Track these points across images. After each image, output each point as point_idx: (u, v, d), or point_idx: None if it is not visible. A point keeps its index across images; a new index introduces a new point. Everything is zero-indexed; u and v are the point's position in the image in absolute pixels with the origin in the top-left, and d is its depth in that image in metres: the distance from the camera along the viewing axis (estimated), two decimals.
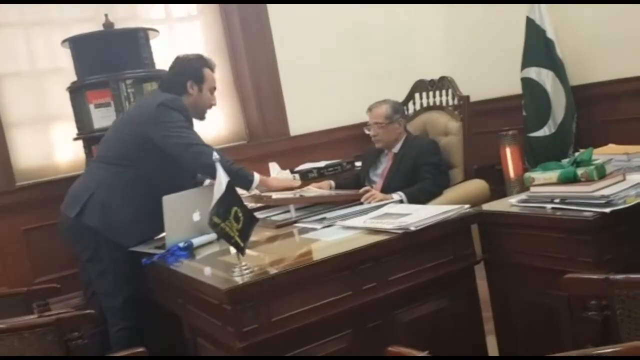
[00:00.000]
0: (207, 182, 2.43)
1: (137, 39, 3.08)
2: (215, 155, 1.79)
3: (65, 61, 3.32)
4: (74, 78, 3.16)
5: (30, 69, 3.44)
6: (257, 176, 2.32)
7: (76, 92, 3.09)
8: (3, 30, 3.38)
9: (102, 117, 3.00)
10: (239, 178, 2.22)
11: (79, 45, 3.10)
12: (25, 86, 3.42)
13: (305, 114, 3.99)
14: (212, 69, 2.46)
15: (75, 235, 2.36)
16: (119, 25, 3.25)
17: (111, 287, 2.31)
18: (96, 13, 3.48)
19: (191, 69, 2.41)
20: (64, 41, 3.12)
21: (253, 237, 1.90)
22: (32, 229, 3.22)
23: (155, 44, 3.29)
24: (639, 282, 1.36)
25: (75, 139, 3.14)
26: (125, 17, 3.55)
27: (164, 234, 2.38)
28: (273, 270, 1.72)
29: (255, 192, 2.31)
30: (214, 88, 2.47)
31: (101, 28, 3.18)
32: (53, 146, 3.48)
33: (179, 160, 2.28)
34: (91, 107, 3.01)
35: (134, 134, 2.34)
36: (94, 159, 2.48)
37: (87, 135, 3.03)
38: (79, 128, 3.10)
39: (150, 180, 2.31)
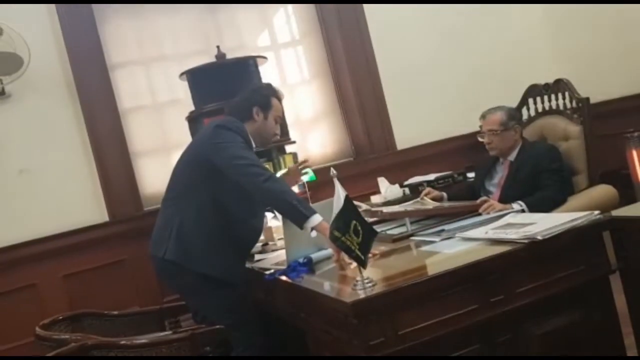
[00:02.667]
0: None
1: (248, 66, 3.25)
2: (333, 171, 1.83)
3: (182, 92, 3.56)
4: (192, 108, 3.37)
5: (151, 102, 3.73)
6: (317, 217, 2.07)
7: (194, 121, 3.30)
8: (127, 68, 3.69)
9: None
10: (293, 211, 2.09)
11: (195, 77, 3.31)
12: (147, 118, 3.71)
13: (412, 127, 3.98)
14: (279, 99, 2.48)
15: (166, 273, 2.39)
16: (229, 55, 3.43)
17: (216, 314, 2.30)
18: (208, 45, 3.72)
19: (259, 96, 2.43)
20: (181, 74, 3.35)
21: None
22: None
23: (264, 69, 3.44)
24: None
25: None
26: (234, 46, 3.75)
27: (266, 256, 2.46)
28: (395, 284, 1.70)
29: (313, 233, 2.09)
30: (280, 117, 2.48)
31: (214, 59, 3.38)
32: None
33: (237, 181, 2.21)
34: None
35: (195, 160, 2.36)
36: (163, 200, 2.46)
37: None
38: None
39: (221, 204, 2.30)
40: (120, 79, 3.66)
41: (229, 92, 3.16)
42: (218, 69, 3.27)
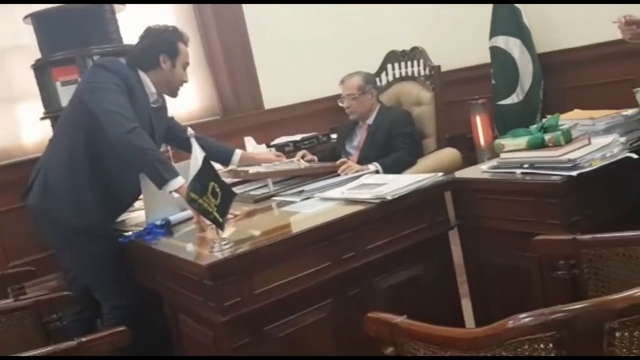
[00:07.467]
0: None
1: (103, 12, 3.00)
2: (190, 131, 1.79)
3: (28, 38, 3.22)
4: (38, 55, 3.07)
5: None
6: (178, 180, 2.01)
7: (41, 69, 3.01)
8: None
9: (70, 95, 2.90)
10: (153, 172, 2.01)
11: (41, 20, 3.01)
12: None
13: (279, 87, 3.98)
14: (186, 43, 2.32)
15: (37, 222, 2.25)
16: None
17: (87, 270, 2.25)
18: None
19: (165, 42, 2.23)
20: (25, 17, 3.03)
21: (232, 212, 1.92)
22: (2, 212, 3.16)
23: (123, 18, 3.21)
24: (604, 241, 1.43)
25: (42, 118, 3.07)
26: None
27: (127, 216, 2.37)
28: (253, 244, 1.73)
29: (175, 194, 2.03)
30: (187, 64, 2.33)
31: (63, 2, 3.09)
32: (20, 126, 3.40)
33: (102, 126, 2.05)
34: (57, 84, 2.94)
35: (73, 99, 2.22)
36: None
37: (55, 114, 2.95)
38: (45, 107, 3.04)
39: (95, 151, 2.15)
40: None
41: (80, 39, 2.93)
42: (68, 13, 2.97)
